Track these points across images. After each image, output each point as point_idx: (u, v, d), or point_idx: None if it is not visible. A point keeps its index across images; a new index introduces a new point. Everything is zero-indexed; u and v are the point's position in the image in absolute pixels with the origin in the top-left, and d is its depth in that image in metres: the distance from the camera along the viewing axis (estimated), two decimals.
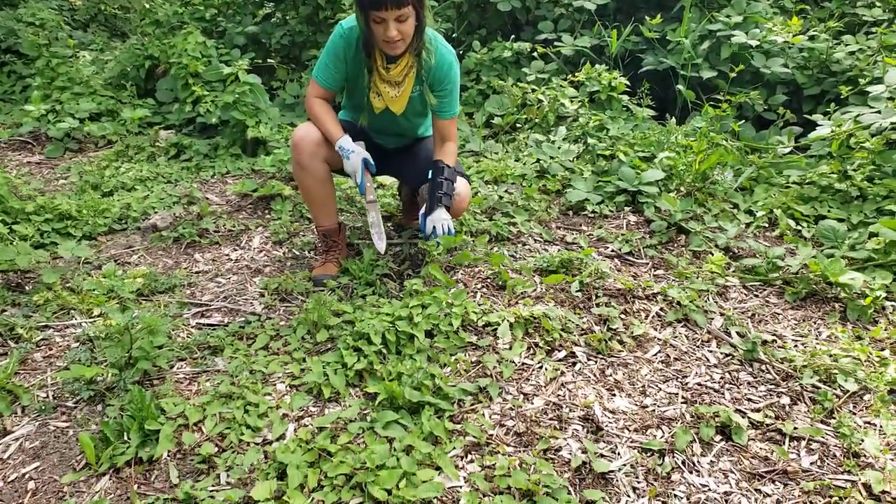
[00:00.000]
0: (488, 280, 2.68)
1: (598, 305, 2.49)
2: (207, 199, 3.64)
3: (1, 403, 1.98)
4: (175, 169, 4.05)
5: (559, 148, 3.94)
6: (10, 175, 3.76)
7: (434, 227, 2.51)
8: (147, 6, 5.61)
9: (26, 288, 2.65)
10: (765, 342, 2.30)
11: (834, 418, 1.93)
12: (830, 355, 2.16)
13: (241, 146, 4.34)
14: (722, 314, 2.48)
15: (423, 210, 2.55)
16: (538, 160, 3.87)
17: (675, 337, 2.35)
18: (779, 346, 2.28)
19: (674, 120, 4.14)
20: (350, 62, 2.46)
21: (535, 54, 4.93)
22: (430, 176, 2.54)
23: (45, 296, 2.52)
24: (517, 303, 2.50)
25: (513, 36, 5.07)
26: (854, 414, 1.96)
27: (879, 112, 3.31)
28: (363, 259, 2.72)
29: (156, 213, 3.36)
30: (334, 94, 2.55)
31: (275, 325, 2.36)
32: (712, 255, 2.87)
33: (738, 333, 2.37)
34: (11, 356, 2.16)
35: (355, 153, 2.50)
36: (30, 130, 4.68)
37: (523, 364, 2.16)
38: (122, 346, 2.08)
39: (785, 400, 2.02)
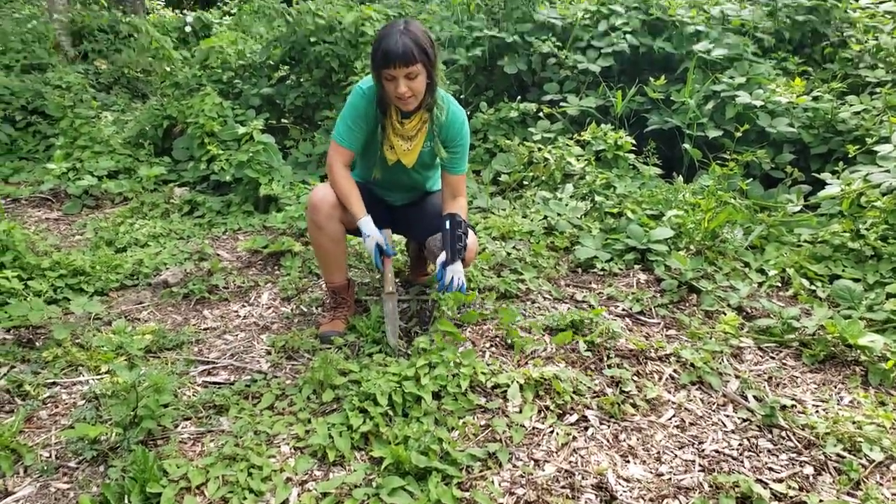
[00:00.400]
0: (497, 339, 2.62)
1: (609, 367, 2.42)
2: (218, 255, 3.63)
3: (3, 463, 1.93)
4: (188, 225, 4.06)
5: (566, 205, 3.93)
6: (29, 231, 3.78)
7: (452, 279, 2.47)
8: (168, 69, 5.75)
9: (36, 344, 2.62)
10: (784, 407, 2.21)
11: (861, 490, 1.83)
12: (854, 422, 2.07)
13: (253, 203, 4.36)
14: (737, 377, 2.40)
15: (441, 258, 2.51)
16: (546, 217, 3.85)
17: (690, 400, 2.27)
18: (799, 412, 2.19)
19: (681, 178, 4.12)
20: (370, 119, 2.49)
21: (541, 114, 4.97)
22: (447, 227, 2.52)
23: (54, 352, 2.49)
24: (527, 363, 2.44)
25: (519, 97, 5.13)
26: (881, 485, 1.86)
27: (889, 171, 3.28)
28: (370, 316, 2.67)
29: (167, 269, 3.35)
30: (354, 155, 2.56)
31: (280, 384, 2.30)
32: (725, 314, 2.81)
33: (755, 397, 2.28)
34: (17, 414, 2.11)
35: (370, 237, 2.49)
36: (50, 188, 4.74)
37: (534, 428, 2.08)
38: (128, 404, 2.03)
39: (808, 469, 1.92)
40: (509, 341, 2.57)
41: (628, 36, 5.10)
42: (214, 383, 2.36)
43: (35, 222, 4.26)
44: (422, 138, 2.55)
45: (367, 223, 2.50)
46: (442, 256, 2.51)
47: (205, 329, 2.81)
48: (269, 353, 2.58)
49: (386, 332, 2.54)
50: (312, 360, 2.44)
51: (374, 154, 2.59)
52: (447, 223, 2.52)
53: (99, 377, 2.38)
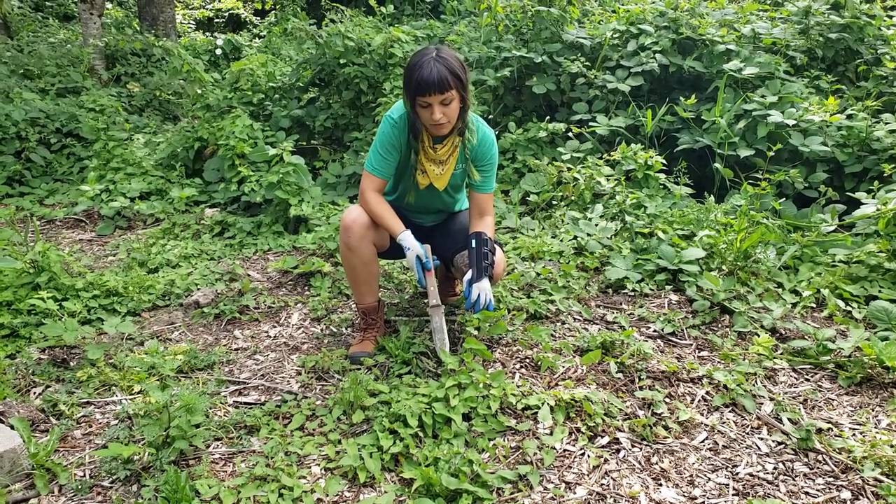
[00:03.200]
0: (527, 360, 2.63)
1: (641, 388, 2.42)
2: (249, 275, 3.70)
3: (39, 482, 1.98)
4: (219, 246, 4.15)
5: (596, 225, 3.94)
6: (64, 252, 3.89)
7: (479, 296, 2.48)
8: (199, 92, 5.90)
9: (71, 364, 2.70)
10: (819, 430, 2.18)
11: None
12: (892, 446, 2.04)
13: (283, 224, 4.43)
14: (772, 399, 2.38)
15: (468, 276, 2.53)
16: (575, 237, 3.86)
17: (723, 423, 2.26)
18: (835, 435, 2.16)
19: (712, 198, 4.11)
20: (401, 147, 2.56)
21: (570, 134, 5.00)
22: (473, 245, 2.55)
23: (88, 372, 2.56)
24: (557, 385, 2.44)
25: (548, 117, 5.16)
26: None
27: None
28: (400, 337, 2.70)
29: (198, 289, 3.42)
30: (386, 183, 2.61)
31: (311, 405, 2.33)
32: (758, 336, 2.78)
33: (790, 420, 2.26)
34: (52, 433, 2.17)
35: (410, 250, 2.54)
36: (84, 209, 4.88)
37: (565, 450, 2.08)
38: (161, 424, 2.08)
39: (845, 494, 1.90)
40: (539, 363, 2.58)
41: (658, 55, 5.12)
42: (245, 404, 2.41)
43: (69, 243, 4.39)
44: (453, 162, 2.61)
45: (407, 237, 2.55)
46: (469, 274, 2.53)
47: (236, 349, 2.86)
48: (299, 373, 2.62)
49: (436, 345, 2.57)
50: (342, 381, 2.47)
51: (407, 180, 2.66)
52: (473, 241, 2.56)
53: (131, 397, 2.44)
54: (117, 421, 2.30)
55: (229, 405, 2.40)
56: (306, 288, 3.54)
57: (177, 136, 5.54)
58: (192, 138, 5.36)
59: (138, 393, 2.46)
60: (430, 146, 2.54)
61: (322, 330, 3.03)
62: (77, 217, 4.87)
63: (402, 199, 2.72)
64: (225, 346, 2.89)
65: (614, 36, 5.49)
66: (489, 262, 2.53)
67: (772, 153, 4.10)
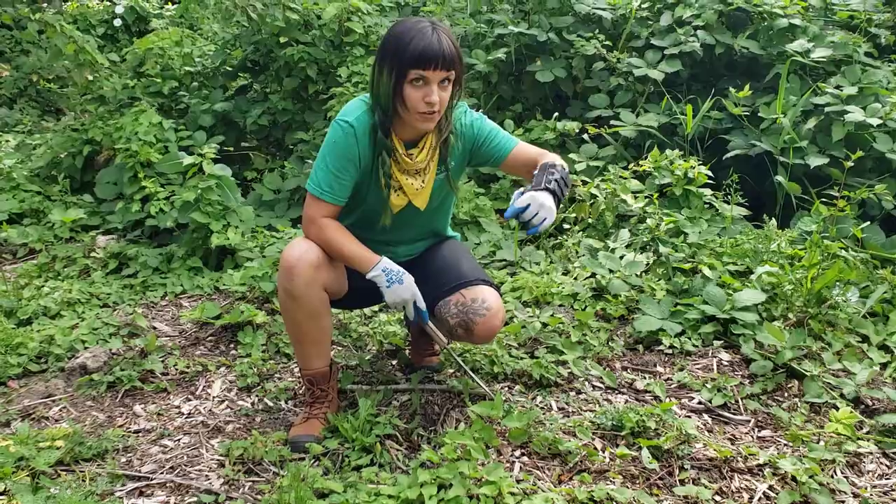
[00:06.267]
0: (528, 444, 2.63)
1: (682, 483, 2.42)
2: (155, 329, 3.68)
3: None
4: (115, 288, 4.12)
5: (621, 258, 3.97)
6: None
7: (528, 208, 2.44)
8: (90, 78, 5.89)
9: None
10: None
11: None
12: None
13: (202, 257, 4.42)
14: (856, 496, 2.40)
15: (521, 189, 2.53)
16: (593, 274, 3.88)
17: None
18: None
19: (774, 221, 4.16)
20: (362, 159, 2.56)
21: (585, 136, 5.05)
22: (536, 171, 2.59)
23: None
24: (570, 479, 2.44)
25: (556, 114, 5.21)
26: None
27: None
28: (358, 414, 2.69)
29: (86, 349, 3.38)
30: (340, 209, 2.62)
31: None
32: (837, 409, 2.81)
33: None
34: None
35: (402, 286, 2.54)
36: None
37: None
38: None
39: None
40: (548, 447, 2.57)
41: (700, 32, 5.21)
42: None
43: None
44: (434, 168, 2.65)
45: (388, 265, 2.54)
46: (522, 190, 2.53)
47: (136, 432, 2.83)
48: (221, 465, 2.59)
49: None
50: (280, 477, 2.45)
51: (369, 204, 2.67)
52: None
53: None
54: None
55: None
56: (232, 345, 3.52)
57: (60, 137, 5.53)
58: (81, 141, 5.35)
59: (1, 495, 2.41)
60: (405, 154, 2.56)
61: (253, 405, 3.01)
62: None
63: (364, 230, 2.71)
64: (121, 427, 2.85)
65: (643, 6, 5.59)
66: (558, 178, 2.52)
67: (851, 163, 4.17)
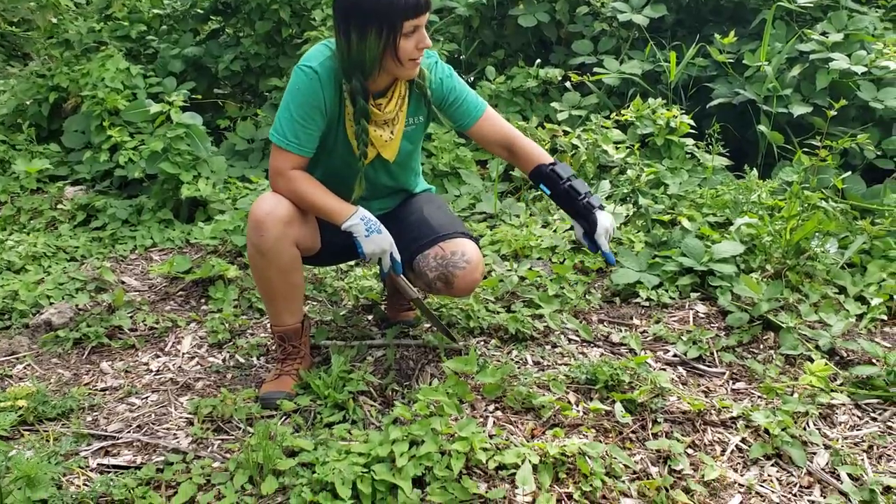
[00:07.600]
0: (501, 399, 2.64)
1: (655, 436, 2.45)
2: (123, 283, 3.66)
3: None
4: (82, 241, 4.09)
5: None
6: None
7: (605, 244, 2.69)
8: (54, 21, 5.76)
9: None
10: (888, 489, 2.23)
11: None
12: None
13: (172, 209, 4.39)
14: (828, 447, 2.43)
15: (581, 232, 2.75)
16: (573, 227, 3.87)
17: (764, 481, 2.30)
18: None
19: (755, 172, 4.16)
20: (329, 107, 2.52)
21: (568, 84, 5.02)
22: (548, 189, 2.73)
23: None
24: (543, 433, 2.46)
25: (538, 60, 5.18)
26: None
27: None
28: (331, 370, 2.69)
29: (52, 304, 3.37)
30: (307, 161, 2.57)
31: (205, 469, 2.31)
32: (812, 361, 2.83)
33: (850, 476, 2.31)
34: None
35: (380, 235, 2.53)
36: None
37: None
38: None
39: None
40: (521, 402, 2.59)
41: None
42: (115, 467, 2.37)
43: None
44: (403, 118, 2.62)
45: (366, 213, 2.53)
46: (578, 228, 2.74)
47: (102, 390, 2.82)
48: (190, 423, 2.59)
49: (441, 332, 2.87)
50: (249, 435, 2.45)
51: (335, 156, 2.64)
52: (542, 184, 2.74)
53: None
54: None
55: (91, 470, 2.36)
56: (203, 300, 3.51)
57: (25, 83, 5.46)
58: (47, 87, 5.29)
59: None
60: (374, 103, 2.52)
61: (224, 361, 3.01)
62: None
63: (334, 184, 2.68)
64: (87, 385, 2.85)
65: None
66: (584, 193, 2.68)
67: (834, 112, 4.16)
